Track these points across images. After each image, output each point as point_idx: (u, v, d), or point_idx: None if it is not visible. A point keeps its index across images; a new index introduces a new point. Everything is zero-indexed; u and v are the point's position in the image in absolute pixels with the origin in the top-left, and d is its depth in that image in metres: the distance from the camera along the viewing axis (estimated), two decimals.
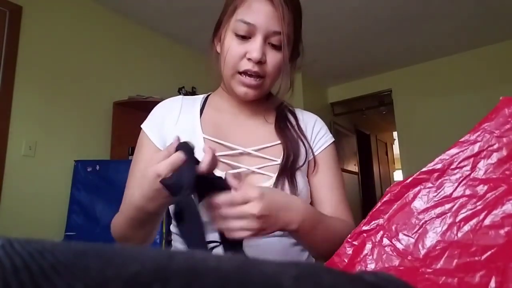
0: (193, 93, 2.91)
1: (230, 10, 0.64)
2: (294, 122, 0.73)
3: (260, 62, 0.61)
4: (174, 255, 0.16)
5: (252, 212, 0.44)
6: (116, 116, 2.37)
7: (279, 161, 0.65)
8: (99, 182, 2.00)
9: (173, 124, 0.68)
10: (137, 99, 2.37)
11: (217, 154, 0.59)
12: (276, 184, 0.62)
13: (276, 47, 0.62)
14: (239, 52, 0.61)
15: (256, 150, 0.66)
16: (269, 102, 0.74)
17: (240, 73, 0.63)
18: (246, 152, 0.65)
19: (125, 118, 2.38)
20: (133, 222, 0.53)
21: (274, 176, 0.63)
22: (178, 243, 0.68)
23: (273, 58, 0.62)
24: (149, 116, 0.71)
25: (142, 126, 0.70)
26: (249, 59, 0.61)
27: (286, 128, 0.71)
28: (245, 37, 0.61)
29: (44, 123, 2.04)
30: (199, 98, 0.75)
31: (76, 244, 0.16)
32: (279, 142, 0.68)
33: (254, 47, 0.60)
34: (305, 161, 0.68)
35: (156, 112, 0.71)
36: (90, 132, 2.27)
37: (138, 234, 0.56)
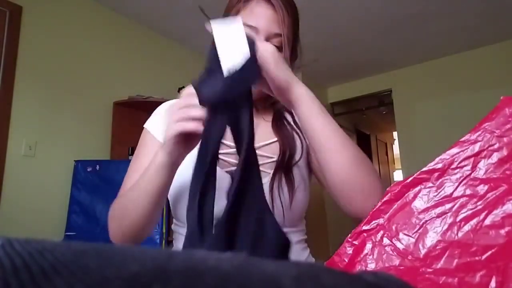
0: None
1: (232, 15, 0.67)
2: (290, 119, 0.75)
3: None
4: (174, 255, 0.16)
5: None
6: (116, 116, 2.37)
7: (276, 158, 0.67)
8: (99, 182, 2.00)
9: None
10: (137, 99, 2.37)
11: None
12: (273, 180, 0.64)
13: (277, 49, 0.64)
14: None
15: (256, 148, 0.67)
16: (267, 102, 0.76)
17: None
18: None
19: (125, 118, 2.38)
20: (147, 193, 0.54)
21: (271, 172, 0.65)
22: (179, 243, 0.68)
23: None
24: (152, 116, 0.74)
25: (145, 125, 0.72)
26: None
27: (282, 125, 0.73)
28: None
29: (44, 123, 2.04)
30: None
31: (76, 244, 0.16)
32: (276, 139, 0.70)
33: None
34: (302, 153, 0.70)
35: (160, 112, 0.74)
36: (90, 132, 2.27)
37: (145, 212, 0.56)
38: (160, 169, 0.52)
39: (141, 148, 0.70)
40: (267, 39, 0.63)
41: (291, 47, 0.69)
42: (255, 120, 0.72)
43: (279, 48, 0.64)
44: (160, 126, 0.70)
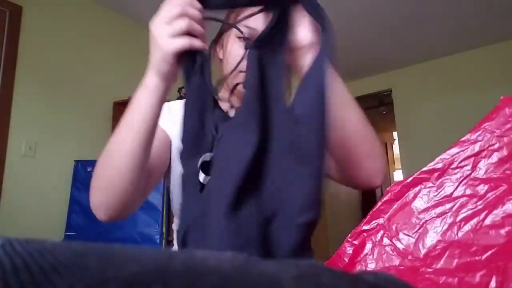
0: None
1: (231, 19, 0.68)
2: None
3: None
4: (174, 255, 0.16)
5: None
6: (116, 116, 2.37)
7: None
8: None
9: (178, 122, 0.70)
10: None
11: None
12: None
13: None
14: (241, 53, 0.64)
15: None
16: None
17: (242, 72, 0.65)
18: None
19: None
20: (136, 131, 0.48)
21: None
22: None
23: None
24: None
25: None
26: None
27: None
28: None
29: (44, 123, 2.04)
30: None
31: (76, 244, 0.16)
32: None
33: None
34: None
35: (164, 108, 0.73)
36: (90, 132, 2.27)
37: (131, 154, 0.49)
38: (153, 93, 0.47)
39: None
40: None
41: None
42: None
43: None
44: (162, 117, 0.69)
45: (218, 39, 0.72)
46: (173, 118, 0.71)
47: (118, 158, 0.50)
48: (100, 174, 0.53)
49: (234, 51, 0.65)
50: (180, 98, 2.69)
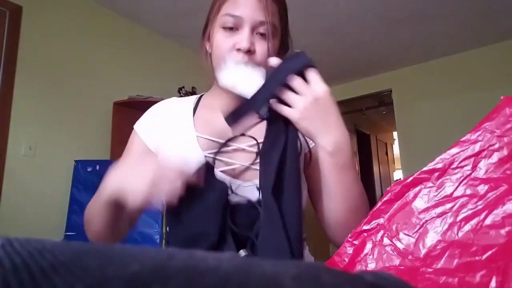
0: (193, 93, 2.91)
1: (216, 8, 0.65)
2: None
3: (250, 51, 0.61)
4: (174, 255, 0.16)
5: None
6: (116, 116, 2.37)
7: None
8: (99, 182, 1.99)
9: (167, 124, 0.69)
10: (137, 99, 2.37)
11: (211, 151, 0.60)
12: None
13: (264, 36, 0.63)
14: (228, 44, 0.62)
15: (250, 146, 0.66)
16: None
17: None
18: (241, 149, 0.65)
19: (125, 118, 2.38)
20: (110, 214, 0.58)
21: None
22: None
23: (262, 47, 0.62)
24: (142, 117, 0.72)
25: (134, 126, 0.71)
26: (238, 50, 0.61)
27: None
28: (232, 30, 0.62)
29: (44, 123, 2.04)
30: (192, 98, 0.76)
31: (76, 244, 0.16)
32: None
33: (243, 37, 0.61)
34: (301, 152, 0.69)
35: (150, 113, 0.72)
36: (90, 132, 2.27)
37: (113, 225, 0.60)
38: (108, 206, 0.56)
39: (127, 152, 0.70)
40: (253, 28, 0.61)
41: (280, 38, 0.67)
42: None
43: (265, 36, 0.62)
44: (150, 128, 0.69)
45: (204, 32, 0.70)
46: (161, 122, 0.70)
47: (97, 224, 0.62)
48: (86, 223, 0.65)
49: (219, 41, 0.63)
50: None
